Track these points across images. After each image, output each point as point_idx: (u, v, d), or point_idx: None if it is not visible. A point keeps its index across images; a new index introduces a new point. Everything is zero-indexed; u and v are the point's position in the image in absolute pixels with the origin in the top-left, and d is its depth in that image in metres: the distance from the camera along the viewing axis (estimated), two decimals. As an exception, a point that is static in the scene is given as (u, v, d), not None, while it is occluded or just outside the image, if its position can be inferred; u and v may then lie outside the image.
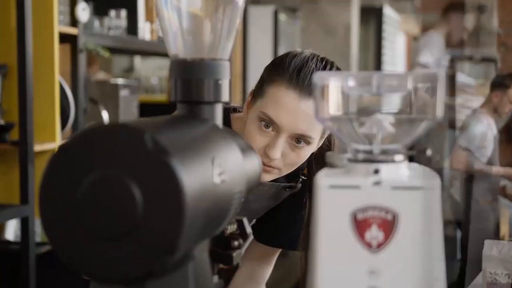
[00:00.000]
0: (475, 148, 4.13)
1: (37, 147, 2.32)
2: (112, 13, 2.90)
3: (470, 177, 4.26)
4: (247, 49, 4.39)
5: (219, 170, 0.67)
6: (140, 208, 0.58)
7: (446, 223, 4.25)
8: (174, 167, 0.57)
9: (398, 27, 8.32)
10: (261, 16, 4.82)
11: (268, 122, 1.19)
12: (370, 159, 0.67)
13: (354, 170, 0.67)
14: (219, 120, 0.77)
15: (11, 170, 2.36)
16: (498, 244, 1.86)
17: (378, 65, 7.39)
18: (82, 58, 2.58)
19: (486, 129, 4.15)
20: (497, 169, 4.14)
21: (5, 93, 2.35)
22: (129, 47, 3.08)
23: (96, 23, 2.82)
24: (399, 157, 0.67)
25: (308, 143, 1.21)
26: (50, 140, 2.38)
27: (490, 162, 4.17)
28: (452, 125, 4.73)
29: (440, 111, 0.65)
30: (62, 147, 0.60)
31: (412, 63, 4.13)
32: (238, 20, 0.80)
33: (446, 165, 5.51)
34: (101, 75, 4.41)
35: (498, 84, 4.21)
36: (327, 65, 1.22)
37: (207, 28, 0.78)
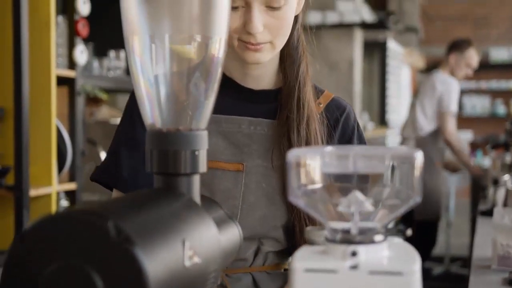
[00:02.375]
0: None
1: (33, 192, 2.29)
2: (112, 53, 2.90)
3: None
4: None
5: (191, 252, 0.64)
6: (103, 300, 0.55)
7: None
8: (138, 258, 0.55)
9: (402, 60, 8.33)
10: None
11: (233, 1, 1.09)
12: (347, 239, 0.64)
13: (331, 251, 0.65)
14: (196, 191, 0.74)
15: (6, 216, 2.33)
16: (510, 212, 1.67)
17: (382, 98, 7.39)
18: (80, 101, 2.58)
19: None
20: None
21: (2, 137, 2.33)
22: (128, 88, 3.08)
23: (96, 64, 2.82)
24: (378, 237, 0.65)
25: (284, 2, 1.12)
26: (46, 184, 2.37)
27: None
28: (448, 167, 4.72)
29: (418, 193, 0.62)
30: (21, 235, 0.57)
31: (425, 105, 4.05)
32: (216, 85, 0.78)
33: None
34: (105, 111, 4.40)
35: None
36: None
37: (184, 97, 0.76)
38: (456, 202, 6.33)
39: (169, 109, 0.75)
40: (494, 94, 10.08)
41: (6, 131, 2.32)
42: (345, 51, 5.43)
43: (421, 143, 4.23)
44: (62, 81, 2.52)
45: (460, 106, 10.17)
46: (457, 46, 4.32)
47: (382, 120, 7.13)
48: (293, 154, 0.65)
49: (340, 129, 1.24)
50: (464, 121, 10.22)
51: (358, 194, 0.66)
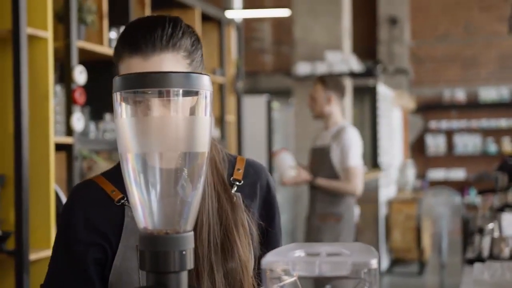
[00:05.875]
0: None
1: (33, 256, 2.38)
2: (108, 116, 3.02)
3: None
4: (242, 139, 4.51)
5: None
6: None
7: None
8: None
9: (393, 102, 8.47)
10: (255, 105, 4.99)
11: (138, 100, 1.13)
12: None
13: None
14: (184, 286, 0.85)
15: (7, 280, 2.41)
16: (490, 268, 1.73)
17: (374, 142, 7.50)
18: (77, 166, 2.68)
19: None
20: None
21: (3, 203, 2.43)
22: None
23: (92, 127, 2.94)
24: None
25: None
26: (46, 247, 2.45)
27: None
28: None
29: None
30: None
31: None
32: (201, 189, 0.88)
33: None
34: (103, 165, 4.48)
35: None
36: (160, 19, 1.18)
37: (172, 203, 0.86)
38: (450, 241, 6.40)
39: (159, 214, 0.85)
40: (485, 132, 10.23)
41: (7, 197, 2.42)
42: (335, 99, 5.53)
43: None
44: (60, 147, 2.63)
45: (452, 145, 10.33)
46: (317, 82, 4.11)
47: (374, 163, 7.24)
48: (266, 261, 0.76)
49: (259, 189, 1.32)
50: (456, 159, 10.36)
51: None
